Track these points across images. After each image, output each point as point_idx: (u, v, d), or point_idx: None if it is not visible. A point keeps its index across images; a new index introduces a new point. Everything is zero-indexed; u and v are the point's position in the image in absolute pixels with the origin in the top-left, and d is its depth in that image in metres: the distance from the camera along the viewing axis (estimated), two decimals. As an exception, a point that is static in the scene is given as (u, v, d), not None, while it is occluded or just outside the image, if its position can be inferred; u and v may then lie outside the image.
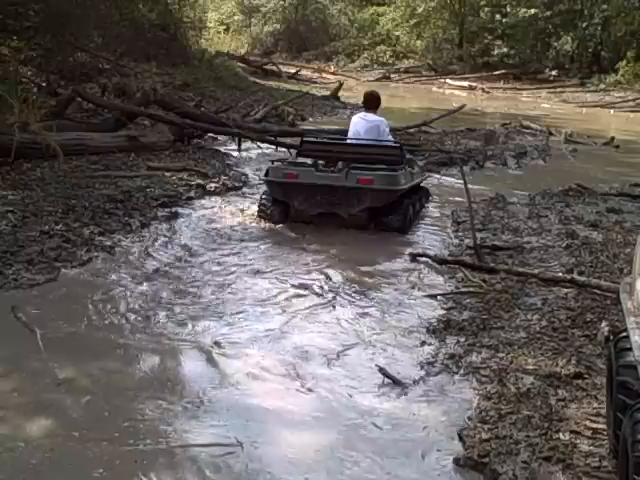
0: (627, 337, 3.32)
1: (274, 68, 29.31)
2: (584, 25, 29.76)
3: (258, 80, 24.47)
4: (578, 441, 3.64)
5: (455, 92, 27.74)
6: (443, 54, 34.02)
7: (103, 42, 18.14)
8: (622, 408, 3.20)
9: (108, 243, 6.63)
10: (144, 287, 5.77)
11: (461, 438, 3.73)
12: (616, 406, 3.34)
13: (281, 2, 38.59)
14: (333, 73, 31.64)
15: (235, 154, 11.59)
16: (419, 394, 4.23)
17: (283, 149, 11.05)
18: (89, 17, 15.33)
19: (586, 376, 4.35)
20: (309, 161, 8.00)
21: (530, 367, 4.47)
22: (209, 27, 30.53)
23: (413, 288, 6.01)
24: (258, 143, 11.79)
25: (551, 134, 15.45)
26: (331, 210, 7.59)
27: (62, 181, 8.40)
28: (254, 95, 19.01)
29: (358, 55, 35.84)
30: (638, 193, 9.79)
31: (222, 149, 11.88)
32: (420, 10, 34.09)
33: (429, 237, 7.69)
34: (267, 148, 11.90)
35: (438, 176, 10.67)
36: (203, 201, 8.58)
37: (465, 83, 29.46)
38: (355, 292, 5.86)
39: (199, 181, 9.15)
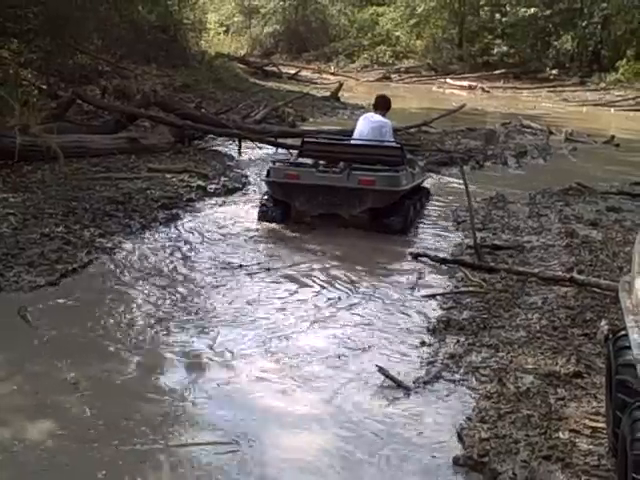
0: (626, 336, 3.33)
1: (274, 69, 29.33)
2: (584, 24, 29.75)
3: (258, 81, 24.49)
4: (577, 440, 3.65)
5: (455, 92, 27.73)
6: (443, 54, 34.00)
7: (103, 44, 18.15)
8: (621, 407, 3.21)
9: (109, 245, 6.65)
10: (144, 289, 5.78)
11: (460, 437, 3.74)
12: (615, 405, 3.35)
13: (281, 3, 38.61)
14: (333, 74, 31.63)
15: (235, 155, 11.60)
16: (419, 394, 4.24)
17: (284, 150, 11.06)
18: (89, 19, 15.31)
19: (585, 375, 4.36)
20: (310, 161, 8.01)
21: (530, 366, 4.48)
22: (209, 28, 30.49)
23: (413, 288, 6.03)
24: (258, 144, 11.80)
25: (551, 133, 15.45)
26: (332, 211, 7.60)
27: (63, 183, 8.42)
28: (254, 96, 19.01)
29: (358, 55, 35.82)
30: (638, 192, 9.79)
31: (222, 150, 11.89)
32: (420, 10, 34.10)
33: (429, 237, 7.70)
34: (268, 149, 11.92)
35: (438, 176, 10.69)
36: (204, 202, 8.59)
37: (465, 83, 29.44)
38: (355, 292, 5.88)
39: (200, 182, 9.16)
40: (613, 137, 15.32)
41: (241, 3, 40.58)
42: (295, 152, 9.19)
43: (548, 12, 30.56)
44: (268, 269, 6.31)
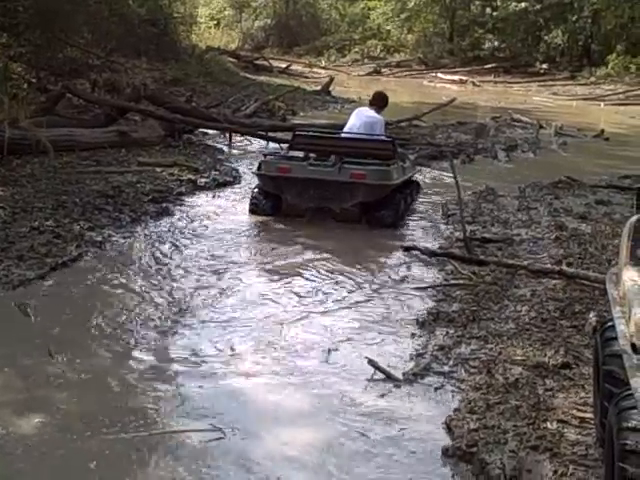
0: (613, 327, 3.35)
1: (265, 63, 29.26)
2: (574, 18, 29.82)
3: (249, 75, 24.44)
4: (565, 430, 3.67)
5: (446, 86, 27.73)
6: (434, 48, 33.99)
7: (93, 38, 18.06)
8: (608, 397, 3.23)
9: (98, 239, 6.64)
10: (134, 282, 5.78)
11: (449, 428, 3.76)
12: (602, 395, 3.37)
13: (272, -4, 38.50)
14: (324, 68, 31.58)
15: (226, 149, 11.58)
16: (409, 386, 4.26)
17: (275, 144, 11.06)
18: (79, 13, 15.27)
19: (574, 366, 4.38)
20: (301, 154, 8.01)
21: (518, 358, 4.50)
22: (199, 22, 30.44)
23: (403, 280, 6.05)
24: (249, 138, 11.79)
25: (541, 127, 15.48)
26: (323, 204, 7.60)
27: (52, 177, 8.39)
28: (245, 90, 18.97)
29: (349, 50, 35.77)
30: (627, 185, 9.83)
31: (213, 144, 11.88)
32: (411, 4, 34.02)
33: (419, 230, 7.72)
34: (259, 143, 11.92)
35: (429, 169, 10.70)
36: (194, 196, 8.58)
37: (456, 77, 29.43)
38: (345, 285, 5.89)
39: (190, 176, 9.15)
40: (603, 131, 15.38)
41: (232, -4, 40.44)
42: (286, 146, 9.19)
43: (538, 6, 30.58)
44: (258, 262, 6.31)
